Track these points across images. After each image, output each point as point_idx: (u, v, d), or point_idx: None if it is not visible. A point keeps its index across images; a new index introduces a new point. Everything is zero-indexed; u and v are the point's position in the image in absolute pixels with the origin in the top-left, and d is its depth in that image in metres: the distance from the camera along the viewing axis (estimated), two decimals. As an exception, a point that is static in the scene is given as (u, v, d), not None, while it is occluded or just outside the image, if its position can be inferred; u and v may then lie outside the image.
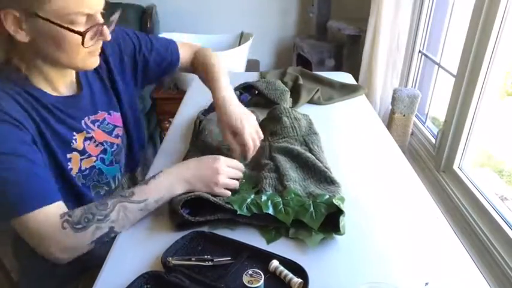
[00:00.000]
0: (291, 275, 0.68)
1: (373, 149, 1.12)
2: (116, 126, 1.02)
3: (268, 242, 0.78)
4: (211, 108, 1.26)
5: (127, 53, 1.04)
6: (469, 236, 1.53)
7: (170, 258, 0.71)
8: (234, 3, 2.91)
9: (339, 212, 0.78)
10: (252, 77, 1.60)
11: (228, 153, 1.00)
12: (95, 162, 0.95)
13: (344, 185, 0.90)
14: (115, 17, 0.85)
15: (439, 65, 2.02)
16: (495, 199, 1.54)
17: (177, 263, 0.71)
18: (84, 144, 0.92)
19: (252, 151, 0.96)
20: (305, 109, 1.34)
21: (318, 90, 1.40)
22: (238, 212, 0.80)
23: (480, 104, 1.61)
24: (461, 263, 0.75)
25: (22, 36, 0.76)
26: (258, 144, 0.98)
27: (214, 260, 0.73)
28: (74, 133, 0.91)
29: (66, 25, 0.75)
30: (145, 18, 2.54)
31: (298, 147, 1.02)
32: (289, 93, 1.34)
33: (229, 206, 0.81)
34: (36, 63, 0.83)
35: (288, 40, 3.05)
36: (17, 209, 0.74)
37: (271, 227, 0.81)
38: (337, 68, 2.58)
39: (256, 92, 1.36)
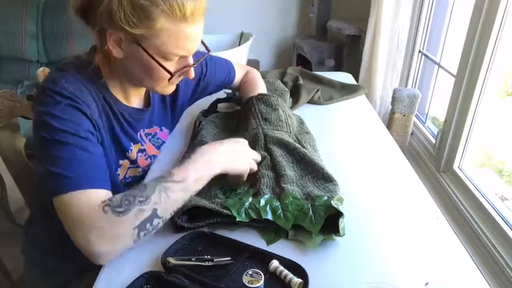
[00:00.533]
0: (291, 275, 0.68)
1: (373, 149, 1.12)
2: (163, 142, 1.09)
3: (268, 243, 0.78)
4: (211, 109, 1.26)
5: (195, 78, 1.06)
6: (469, 236, 1.53)
7: (170, 258, 0.71)
8: (234, 3, 2.91)
9: (338, 214, 0.78)
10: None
11: None
12: (139, 173, 1.00)
13: (344, 185, 0.90)
14: (203, 59, 0.93)
15: (439, 65, 2.02)
16: (495, 199, 1.54)
17: (177, 263, 0.71)
18: (137, 155, 0.98)
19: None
20: (305, 109, 1.34)
21: (318, 90, 1.40)
22: (238, 219, 0.79)
23: (480, 104, 1.61)
24: (461, 263, 0.75)
25: (118, 53, 0.82)
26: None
27: (214, 260, 0.72)
28: (132, 144, 0.97)
29: (160, 61, 0.81)
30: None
31: (292, 141, 1.01)
32: (289, 93, 1.34)
33: (228, 211, 0.80)
34: (119, 76, 0.90)
35: (288, 40, 3.05)
36: (62, 187, 0.73)
37: (271, 228, 0.81)
38: (337, 68, 2.58)
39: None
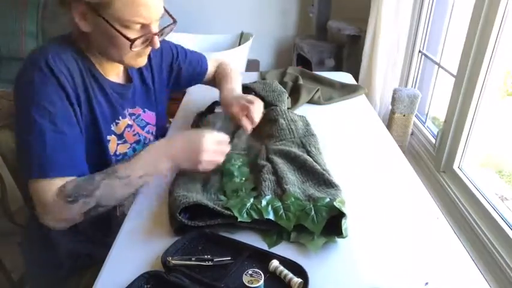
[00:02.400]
0: (291, 275, 0.68)
1: (373, 149, 1.12)
2: (148, 123, 1.09)
3: (270, 246, 0.77)
4: (208, 110, 1.26)
5: (166, 60, 1.14)
6: (469, 236, 1.53)
7: (170, 258, 0.71)
8: (234, 3, 2.91)
9: (341, 214, 0.77)
10: (252, 77, 1.60)
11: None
12: (128, 149, 1.01)
13: (344, 185, 0.90)
14: (168, 29, 0.93)
15: (439, 65, 2.02)
16: (495, 199, 1.55)
17: (177, 262, 0.71)
18: (124, 129, 1.00)
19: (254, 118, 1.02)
20: (305, 109, 1.34)
21: (318, 90, 1.40)
22: (239, 219, 0.79)
23: (480, 104, 1.61)
24: (461, 263, 0.75)
25: (85, 27, 0.85)
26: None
27: (214, 259, 0.73)
28: (120, 117, 0.99)
29: (120, 29, 0.83)
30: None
31: (295, 150, 1.01)
32: (287, 94, 1.34)
33: (229, 212, 0.80)
34: (93, 50, 0.92)
35: (288, 40, 3.05)
36: (33, 172, 0.81)
37: (273, 231, 0.80)
38: (337, 68, 2.58)
39: (253, 93, 1.35)
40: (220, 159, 0.91)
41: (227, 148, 0.93)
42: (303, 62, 2.78)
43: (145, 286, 0.68)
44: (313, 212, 0.79)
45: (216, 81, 1.26)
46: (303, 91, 1.39)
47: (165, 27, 0.92)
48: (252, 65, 2.82)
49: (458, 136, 1.70)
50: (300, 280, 0.67)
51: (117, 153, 0.99)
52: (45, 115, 0.82)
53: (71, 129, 0.85)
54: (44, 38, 2.50)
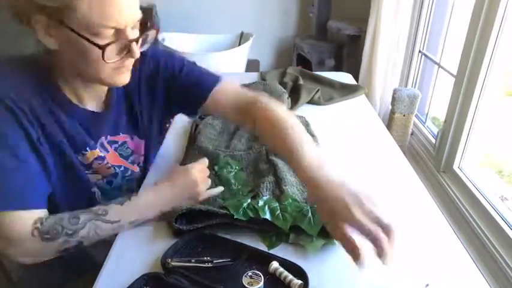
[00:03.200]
0: (291, 277, 0.68)
1: (373, 149, 1.12)
2: (133, 152, 0.99)
3: (269, 248, 0.77)
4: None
5: (163, 77, 0.96)
6: (469, 236, 1.53)
7: (170, 260, 0.71)
8: (234, 3, 2.91)
9: None
10: (252, 77, 1.60)
11: (223, 155, 1.00)
12: (99, 180, 0.93)
13: (344, 186, 0.89)
14: (150, 37, 0.82)
15: (439, 65, 2.02)
16: (495, 199, 1.54)
17: (177, 264, 0.71)
18: (93, 161, 0.90)
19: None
20: (305, 109, 1.34)
21: (318, 90, 1.40)
22: (235, 216, 0.79)
23: (480, 104, 1.61)
24: (461, 263, 0.75)
25: (51, 43, 0.74)
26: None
27: (214, 261, 0.72)
28: (87, 148, 0.88)
29: (89, 37, 0.71)
30: (145, 18, 2.53)
31: None
32: (287, 95, 1.34)
33: (225, 211, 0.80)
34: (65, 73, 0.81)
35: (288, 40, 3.05)
36: (1, 202, 0.73)
37: (271, 232, 0.80)
38: (337, 68, 2.58)
39: None
40: (209, 182, 0.87)
41: (207, 171, 0.88)
42: (303, 62, 2.78)
43: (146, 287, 0.68)
44: (310, 214, 0.79)
45: (260, 130, 0.91)
46: (303, 91, 1.39)
47: (144, 32, 0.79)
48: (252, 65, 2.82)
49: (458, 136, 1.70)
50: (300, 282, 0.67)
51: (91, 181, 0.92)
52: (5, 149, 0.73)
53: (33, 161, 0.77)
54: None
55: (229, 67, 2.44)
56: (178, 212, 0.79)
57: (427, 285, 0.69)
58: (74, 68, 0.79)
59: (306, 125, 1.16)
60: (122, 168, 0.96)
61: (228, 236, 0.79)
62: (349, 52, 2.56)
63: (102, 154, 0.90)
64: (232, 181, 0.94)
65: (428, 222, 0.85)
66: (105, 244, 0.80)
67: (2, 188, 0.73)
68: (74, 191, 0.87)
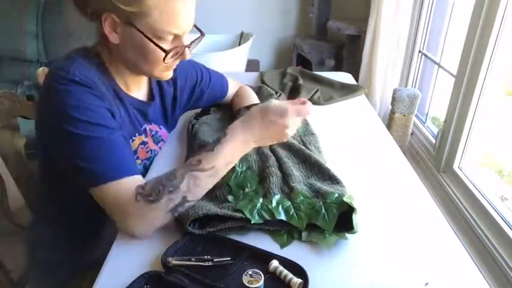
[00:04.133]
0: (291, 275, 0.68)
1: (373, 149, 1.12)
2: (162, 139, 1.09)
3: (282, 246, 0.77)
4: (204, 112, 1.25)
5: (190, 82, 1.13)
6: (469, 236, 1.53)
7: (170, 259, 0.71)
8: (234, 3, 2.91)
9: (351, 210, 0.77)
10: (252, 77, 1.60)
11: None
12: (139, 164, 0.99)
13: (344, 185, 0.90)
14: (197, 41, 0.92)
15: (439, 65, 2.02)
16: (495, 199, 1.54)
17: (177, 263, 0.71)
18: (138, 146, 0.98)
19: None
20: (305, 109, 1.34)
21: (317, 90, 1.40)
22: (252, 222, 0.78)
23: (480, 104, 1.61)
24: (461, 263, 0.75)
25: (114, 38, 0.83)
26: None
27: (214, 260, 0.72)
28: (136, 134, 0.97)
29: (154, 40, 0.81)
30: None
31: (296, 143, 1.01)
32: (281, 94, 1.34)
33: (240, 214, 0.79)
34: (118, 64, 0.90)
35: (288, 40, 3.05)
36: (95, 179, 0.77)
37: (283, 231, 0.80)
38: (337, 68, 2.58)
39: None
40: (287, 137, 0.84)
41: (309, 111, 0.85)
42: (303, 62, 2.78)
43: (145, 286, 0.68)
44: (323, 210, 0.79)
45: (233, 103, 1.23)
46: (302, 91, 1.39)
47: (195, 39, 0.91)
48: (252, 65, 2.82)
49: (458, 136, 1.70)
50: (300, 280, 0.67)
51: None
52: (93, 128, 0.78)
53: (118, 134, 0.83)
54: (44, 38, 2.50)
55: (229, 67, 2.44)
56: (192, 216, 0.78)
57: (427, 284, 0.69)
58: (130, 61, 0.88)
59: (306, 124, 1.16)
60: (155, 152, 1.05)
61: (228, 235, 0.79)
62: (349, 52, 2.56)
63: (145, 139, 1.00)
64: (237, 168, 0.93)
65: (428, 222, 0.85)
66: (106, 243, 0.80)
67: (105, 158, 0.78)
68: None
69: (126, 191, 0.77)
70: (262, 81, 1.52)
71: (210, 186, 0.82)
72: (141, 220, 0.77)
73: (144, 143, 1.00)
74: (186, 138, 1.15)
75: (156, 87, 1.05)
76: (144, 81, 1.01)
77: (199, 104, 1.20)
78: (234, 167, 0.93)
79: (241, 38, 2.73)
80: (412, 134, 2.18)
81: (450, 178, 1.77)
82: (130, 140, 0.96)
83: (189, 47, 0.88)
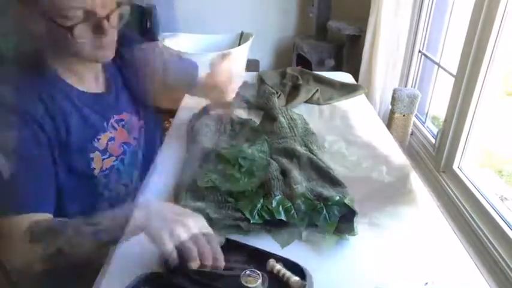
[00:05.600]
0: (289, 274, 0.68)
1: (373, 149, 1.12)
2: (135, 128, 1.03)
3: (283, 246, 0.77)
4: (203, 111, 1.25)
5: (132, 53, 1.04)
6: (469, 236, 1.53)
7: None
8: (234, 3, 2.91)
9: (352, 213, 0.78)
10: (252, 77, 1.60)
11: (224, 153, 0.99)
12: (114, 161, 0.96)
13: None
14: (117, 11, 0.83)
15: (438, 65, 2.02)
16: (495, 199, 1.54)
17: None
18: (107, 144, 0.93)
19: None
20: (305, 109, 1.34)
21: (317, 90, 1.40)
22: (252, 221, 0.78)
23: (480, 104, 1.61)
24: (461, 263, 0.75)
25: (36, 31, 0.78)
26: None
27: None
28: (100, 132, 0.92)
29: (58, 20, 0.75)
30: (145, 18, 2.54)
31: (298, 148, 1.01)
32: (276, 95, 1.34)
33: (240, 213, 0.79)
34: (62, 56, 0.85)
35: (288, 40, 3.05)
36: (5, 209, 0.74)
37: (283, 230, 0.80)
38: (337, 68, 2.58)
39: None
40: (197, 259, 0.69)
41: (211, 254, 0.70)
42: (303, 62, 2.78)
43: (144, 287, 0.68)
44: (324, 211, 0.79)
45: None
46: (302, 90, 1.39)
47: (115, 9, 0.82)
48: (252, 65, 2.81)
49: (458, 136, 1.70)
50: (298, 279, 0.67)
51: (104, 169, 0.93)
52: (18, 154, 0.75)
53: (39, 162, 0.79)
54: None
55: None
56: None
57: (426, 284, 0.69)
58: (60, 49, 0.82)
59: (305, 123, 1.16)
60: (128, 144, 0.99)
61: (226, 235, 0.79)
62: (349, 52, 2.55)
63: (112, 135, 0.94)
64: (237, 176, 0.92)
65: (428, 222, 0.85)
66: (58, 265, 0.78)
67: (8, 192, 0.74)
68: (79, 188, 0.88)
69: (20, 227, 0.73)
70: (262, 82, 1.52)
71: (90, 249, 0.71)
72: (21, 257, 0.74)
73: (112, 139, 0.94)
74: (186, 138, 1.15)
75: (110, 74, 0.98)
76: (97, 69, 0.94)
77: (154, 78, 1.07)
78: (233, 174, 0.93)
79: (241, 38, 2.73)
80: (411, 134, 2.18)
81: (450, 178, 1.77)
82: (96, 140, 0.90)
83: (107, 19, 0.79)
